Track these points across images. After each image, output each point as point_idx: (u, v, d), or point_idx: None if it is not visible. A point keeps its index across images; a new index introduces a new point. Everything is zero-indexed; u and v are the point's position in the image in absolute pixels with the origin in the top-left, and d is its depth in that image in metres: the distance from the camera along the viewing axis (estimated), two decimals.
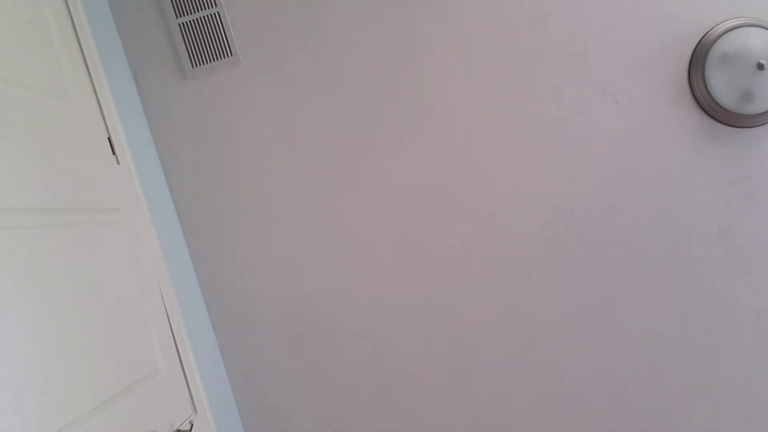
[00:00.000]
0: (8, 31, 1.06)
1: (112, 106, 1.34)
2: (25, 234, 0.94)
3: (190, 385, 1.33)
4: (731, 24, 1.30)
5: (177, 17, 1.49)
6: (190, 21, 1.49)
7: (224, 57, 1.49)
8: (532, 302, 1.44)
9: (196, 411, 1.33)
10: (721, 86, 1.30)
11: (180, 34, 1.49)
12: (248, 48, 1.49)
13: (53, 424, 0.88)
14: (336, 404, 1.52)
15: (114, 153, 1.31)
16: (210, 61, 1.49)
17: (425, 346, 1.48)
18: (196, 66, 1.50)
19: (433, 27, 1.43)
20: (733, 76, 1.29)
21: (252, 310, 1.53)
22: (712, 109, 1.33)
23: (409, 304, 1.48)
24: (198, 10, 1.48)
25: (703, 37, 1.33)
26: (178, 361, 1.32)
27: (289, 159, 1.50)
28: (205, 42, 1.49)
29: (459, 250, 1.45)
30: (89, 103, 1.28)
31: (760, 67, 1.26)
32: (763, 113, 1.30)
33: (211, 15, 1.48)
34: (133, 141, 1.42)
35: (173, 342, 1.32)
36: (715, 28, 1.32)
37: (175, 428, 1.21)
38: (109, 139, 1.32)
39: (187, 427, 1.25)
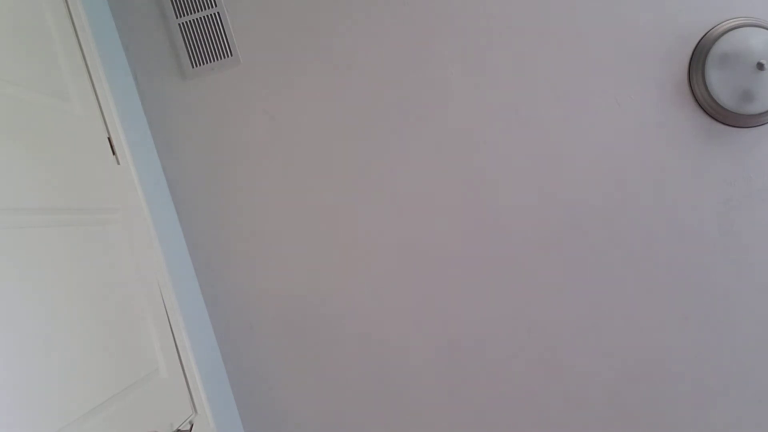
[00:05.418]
0: (8, 31, 1.06)
1: (112, 106, 1.34)
2: (25, 234, 0.94)
3: (190, 385, 1.33)
4: (731, 24, 1.30)
5: (177, 17, 1.49)
6: (190, 21, 1.49)
7: (224, 57, 1.49)
8: (532, 302, 1.44)
9: (196, 411, 1.33)
10: (721, 86, 1.30)
11: (180, 34, 1.49)
12: (248, 48, 1.49)
13: (53, 424, 0.88)
14: (336, 404, 1.52)
15: (114, 153, 1.31)
16: (210, 61, 1.49)
17: (426, 345, 1.48)
18: (196, 66, 1.50)
19: (434, 28, 1.43)
20: (733, 76, 1.29)
21: (252, 309, 1.53)
22: (712, 109, 1.33)
23: (410, 303, 1.48)
24: (198, 10, 1.48)
25: (703, 37, 1.33)
26: (178, 361, 1.32)
27: (289, 159, 1.50)
28: (205, 42, 1.49)
29: (458, 250, 1.45)
30: (89, 103, 1.28)
31: (760, 67, 1.26)
32: (763, 113, 1.30)
33: (211, 15, 1.48)
34: (133, 141, 1.42)
35: (173, 342, 1.32)
36: (715, 28, 1.32)
37: (175, 428, 1.21)
38: (109, 139, 1.32)
39: (187, 427, 1.25)
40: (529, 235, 1.43)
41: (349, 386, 1.52)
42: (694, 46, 1.34)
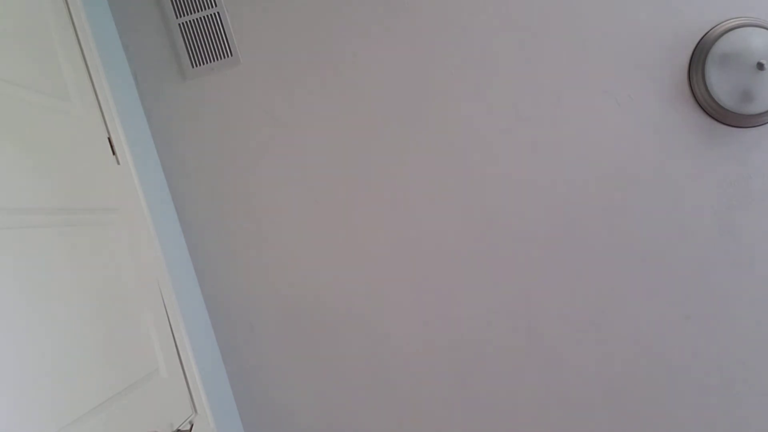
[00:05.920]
0: (8, 31, 1.06)
1: (112, 106, 1.34)
2: (25, 234, 0.94)
3: (190, 385, 1.33)
4: (731, 24, 1.30)
5: (177, 17, 1.49)
6: (190, 21, 1.49)
7: (224, 57, 1.49)
8: (532, 302, 1.44)
9: (196, 411, 1.33)
10: (721, 86, 1.30)
11: (180, 34, 1.49)
12: (248, 48, 1.49)
13: (53, 424, 0.88)
14: (336, 404, 1.52)
15: (114, 153, 1.31)
16: (210, 61, 1.49)
17: (425, 345, 1.48)
18: (196, 66, 1.50)
19: (433, 27, 1.43)
20: (733, 76, 1.29)
21: (252, 309, 1.53)
22: (712, 109, 1.33)
23: (410, 304, 1.48)
24: (198, 10, 1.48)
25: (703, 37, 1.33)
26: (178, 361, 1.32)
27: (289, 159, 1.50)
28: (205, 42, 1.49)
29: (458, 250, 1.45)
30: (89, 103, 1.28)
31: (760, 67, 1.26)
32: (763, 113, 1.30)
33: (211, 15, 1.48)
34: (133, 141, 1.42)
35: (173, 342, 1.32)
36: (715, 28, 1.32)
37: (175, 428, 1.21)
38: (109, 139, 1.32)
39: (187, 427, 1.25)
40: (529, 234, 1.43)
41: (349, 386, 1.52)
42: (694, 46, 1.34)
